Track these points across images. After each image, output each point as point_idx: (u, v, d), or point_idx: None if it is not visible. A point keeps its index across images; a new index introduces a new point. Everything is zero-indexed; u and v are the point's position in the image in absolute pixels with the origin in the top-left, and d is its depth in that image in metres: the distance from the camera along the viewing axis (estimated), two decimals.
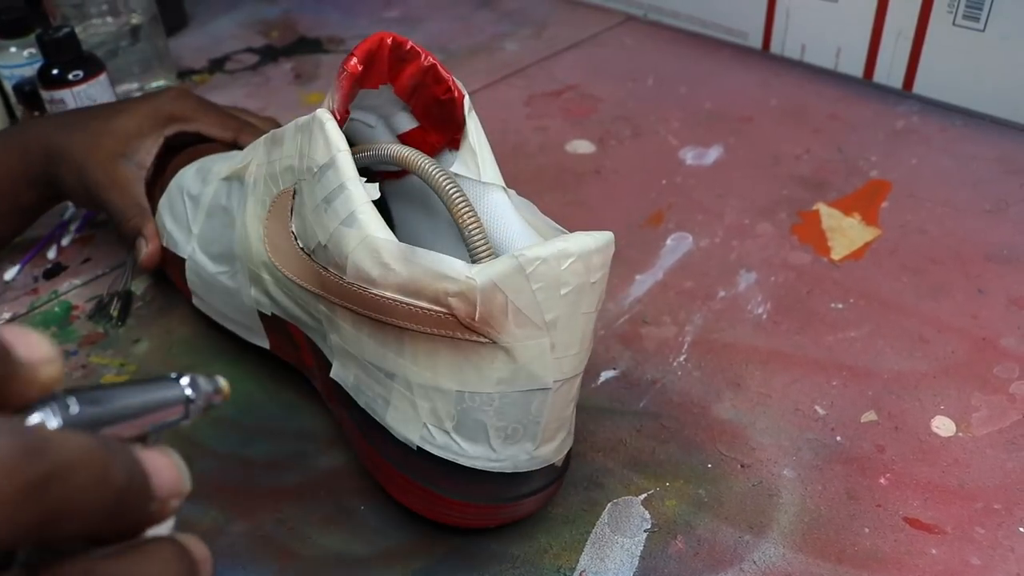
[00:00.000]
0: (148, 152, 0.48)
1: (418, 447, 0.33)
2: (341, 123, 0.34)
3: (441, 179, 0.33)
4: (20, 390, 0.19)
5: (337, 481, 0.39)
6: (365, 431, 0.35)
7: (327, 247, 0.33)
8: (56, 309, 0.50)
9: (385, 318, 0.31)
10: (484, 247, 0.32)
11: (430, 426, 0.32)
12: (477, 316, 0.29)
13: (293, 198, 0.35)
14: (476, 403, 0.31)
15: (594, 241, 0.30)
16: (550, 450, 0.33)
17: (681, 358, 0.45)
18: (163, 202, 0.47)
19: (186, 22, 0.85)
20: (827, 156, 0.60)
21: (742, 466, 0.39)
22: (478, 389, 0.31)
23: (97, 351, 0.47)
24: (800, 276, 0.50)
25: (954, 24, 0.61)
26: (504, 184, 0.35)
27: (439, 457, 0.32)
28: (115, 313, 0.49)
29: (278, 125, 0.53)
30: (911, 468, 0.39)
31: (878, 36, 0.66)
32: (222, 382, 0.23)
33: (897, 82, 0.66)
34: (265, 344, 0.42)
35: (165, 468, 0.20)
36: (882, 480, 0.38)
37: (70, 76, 0.58)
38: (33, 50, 0.62)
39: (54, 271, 0.53)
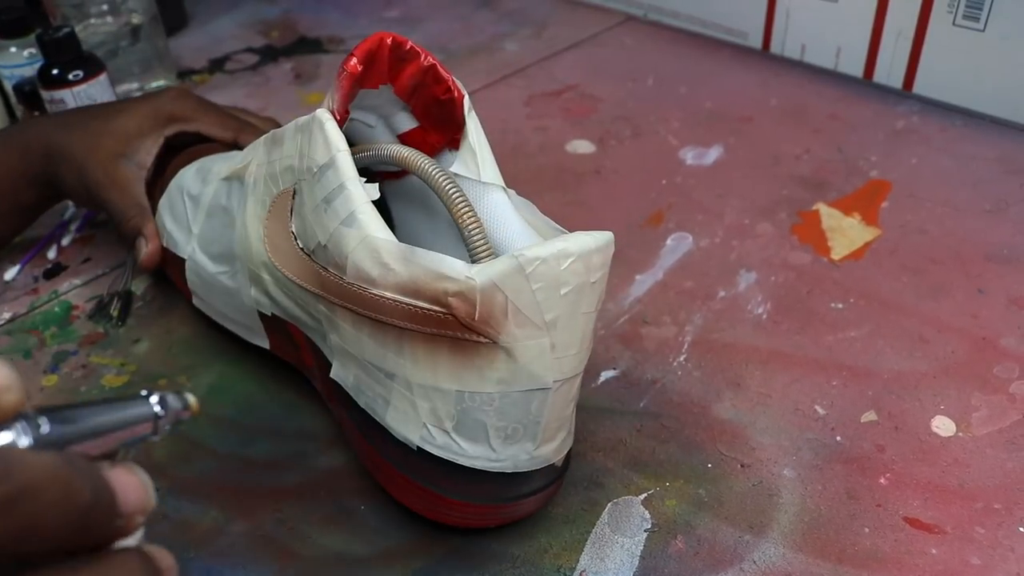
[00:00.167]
0: (148, 152, 0.48)
1: (418, 447, 0.33)
2: (341, 123, 0.34)
3: (441, 179, 0.33)
4: None
5: (337, 481, 0.39)
6: (365, 431, 0.35)
7: (327, 247, 0.33)
8: (56, 309, 0.50)
9: (385, 318, 0.31)
10: (484, 247, 0.32)
11: (430, 426, 0.32)
12: (477, 316, 0.29)
13: (293, 198, 0.35)
14: (476, 403, 0.31)
15: (594, 241, 0.30)
16: (550, 450, 0.33)
17: (681, 358, 0.45)
18: (163, 202, 0.47)
19: (186, 22, 0.85)
20: (827, 156, 0.60)
21: (742, 466, 0.39)
22: (478, 389, 0.31)
23: (97, 351, 0.47)
24: (800, 276, 0.50)
25: (954, 24, 0.61)
26: (504, 184, 0.35)
27: (439, 457, 0.32)
28: (115, 313, 0.49)
29: (278, 125, 0.53)
30: (911, 468, 0.39)
31: (878, 36, 0.66)
32: (191, 399, 0.23)
33: (897, 82, 0.66)
34: (265, 344, 0.42)
35: (131, 486, 0.21)
36: (882, 480, 0.38)
37: (70, 76, 0.58)
38: (33, 50, 0.62)
39: (54, 271, 0.53)
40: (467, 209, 0.32)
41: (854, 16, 0.66)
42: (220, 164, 0.44)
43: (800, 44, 0.71)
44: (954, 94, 0.64)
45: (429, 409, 0.32)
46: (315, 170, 0.33)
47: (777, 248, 0.52)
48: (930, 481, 0.38)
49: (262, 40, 0.81)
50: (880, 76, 0.67)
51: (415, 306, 0.30)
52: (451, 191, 0.32)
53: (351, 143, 0.34)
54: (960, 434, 0.40)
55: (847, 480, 0.38)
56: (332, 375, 0.36)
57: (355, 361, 0.34)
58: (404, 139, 0.39)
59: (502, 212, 0.34)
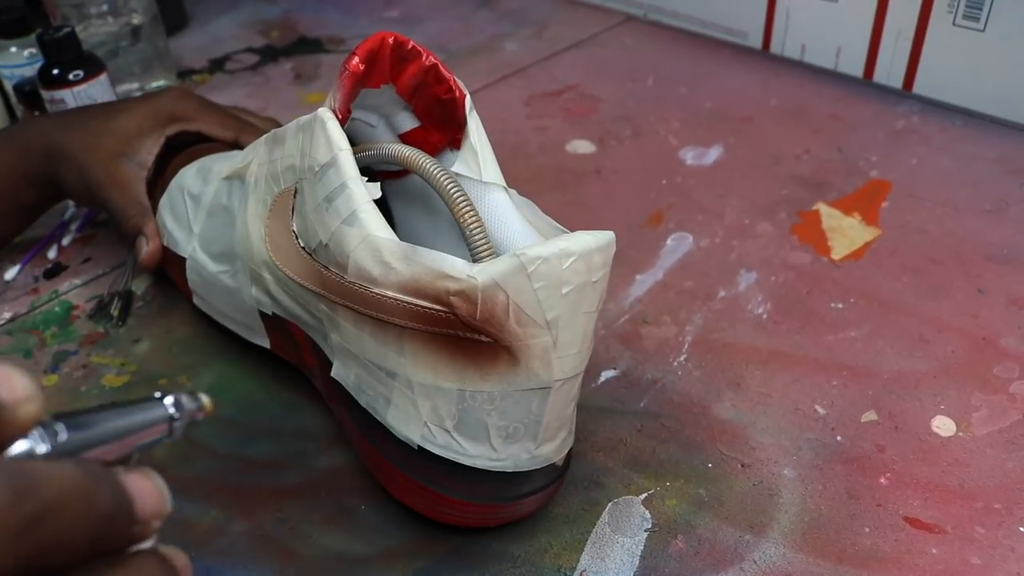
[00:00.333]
0: (149, 151, 0.48)
1: (419, 446, 0.33)
2: (343, 122, 0.34)
3: (442, 178, 0.33)
4: (2, 430, 0.19)
5: (338, 481, 0.39)
6: (366, 430, 0.35)
7: (328, 246, 0.33)
8: (56, 309, 0.50)
9: (386, 317, 0.31)
10: (485, 246, 0.32)
11: (431, 425, 0.32)
12: (479, 315, 0.29)
13: (294, 197, 0.35)
14: (477, 402, 0.31)
15: (595, 240, 0.30)
16: (551, 449, 0.33)
17: (681, 358, 0.45)
18: (164, 201, 0.47)
19: (186, 22, 0.85)
20: (827, 156, 0.60)
21: (742, 466, 0.39)
22: (479, 388, 0.31)
23: (98, 351, 0.47)
24: (800, 276, 0.50)
25: (954, 24, 0.61)
26: (505, 184, 0.35)
27: (440, 456, 0.32)
28: (116, 313, 0.49)
29: (278, 125, 0.53)
30: (911, 468, 0.39)
31: (878, 36, 0.66)
32: (205, 399, 0.23)
33: (897, 82, 0.66)
34: (266, 343, 0.42)
35: (148, 492, 0.21)
36: (882, 480, 0.38)
37: (70, 76, 0.58)
38: (33, 50, 0.62)
39: (55, 271, 0.53)
40: (469, 208, 0.32)
41: (854, 16, 0.66)
42: (221, 163, 0.44)
43: (800, 44, 0.71)
44: (954, 94, 0.64)
45: (430, 408, 0.32)
46: (317, 169, 0.33)
47: (777, 248, 0.52)
48: (930, 481, 0.38)
49: (262, 40, 0.81)
50: (880, 76, 0.67)
51: (417, 305, 0.30)
52: (453, 190, 0.32)
53: (352, 142, 0.34)
54: (960, 434, 0.40)
55: (847, 480, 0.38)
56: (333, 374, 0.36)
57: (356, 360, 0.34)
58: (405, 139, 0.39)
59: (503, 212, 0.34)
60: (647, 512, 0.37)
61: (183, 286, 0.46)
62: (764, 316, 0.47)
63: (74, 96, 0.58)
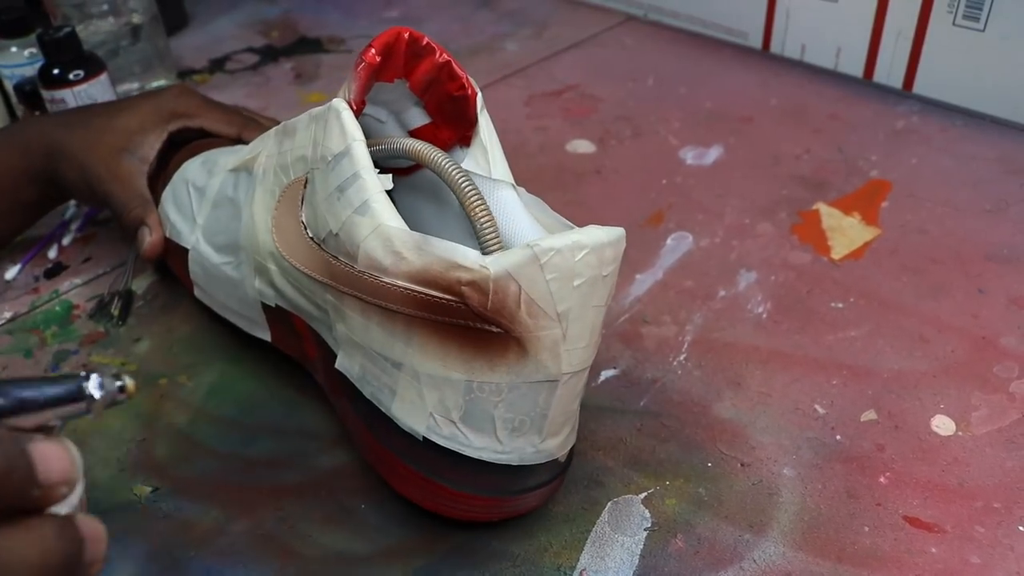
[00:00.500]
0: (151, 147, 0.48)
1: (424, 437, 0.33)
2: (357, 114, 0.34)
3: (454, 172, 0.33)
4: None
5: (338, 480, 0.39)
6: (369, 422, 0.35)
7: (339, 235, 0.33)
8: (57, 308, 0.50)
9: (395, 307, 0.31)
10: (495, 240, 0.32)
11: (436, 416, 0.32)
12: (490, 305, 0.29)
13: (304, 187, 0.35)
14: (484, 393, 0.31)
15: (607, 235, 0.30)
16: (555, 444, 0.33)
17: (681, 357, 0.45)
18: (167, 194, 0.47)
19: (186, 22, 0.85)
20: (827, 156, 0.60)
21: (742, 465, 0.39)
22: (487, 379, 0.31)
23: (98, 350, 0.47)
24: (800, 276, 0.50)
25: (954, 24, 0.61)
26: (514, 182, 0.35)
27: (445, 448, 0.32)
28: (116, 312, 0.49)
29: None
30: (911, 467, 0.39)
31: (878, 36, 0.66)
32: (128, 382, 0.24)
33: (897, 82, 0.66)
34: (267, 336, 0.42)
35: (54, 458, 0.22)
36: (882, 479, 0.38)
37: (71, 76, 0.58)
38: (34, 50, 0.62)
39: (55, 270, 0.53)
40: (479, 202, 0.32)
41: (854, 16, 0.66)
42: (227, 156, 0.44)
43: (800, 44, 0.71)
44: (954, 94, 0.64)
45: (437, 399, 0.32)
46: (329, 159, 0.33)
47: (777, 248, 0.52)
48: (930, 480, 0.38)
49: (262, 40, 0.81)
50: (880, 76, 0.67)
51: (427, 295, 0.30)
52: (464, 184, 0.33)
53: None
54: (960, 433, 0.40)
55: (847, 479, 0.38)
56: (337, 365, 0.36)
57: (362, 351, 0.34)
58: (415, 135, 0.39)
59: (512, 208, 0.35)
60: (647, 511, 0.37)
61: (184, 278, 0.46)
62: (764, 316, 0.47)
63: (74, 96, 0.58)
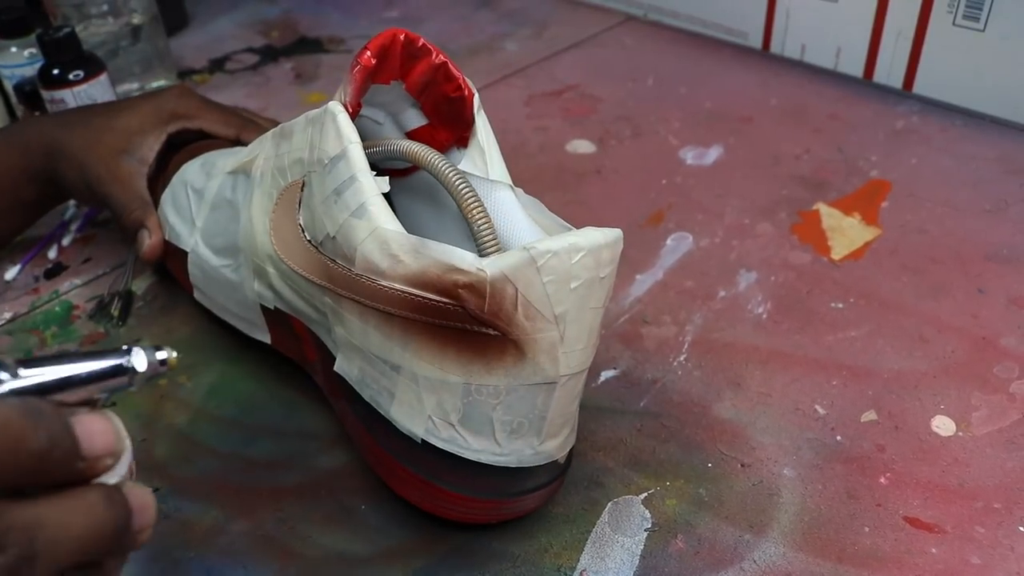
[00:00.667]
0: (151, 148, 0.48)
1: (422, 440, 0.33)
2: (353, 116, 0.34)
3: (450, 174, 0.33)
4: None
5: (338, 480, 0.39)
6: (368, 425, 0.35)
7: (336, 239, 0.33)
8: (57, 309, 0.50)
9: (393, 310, 0.31)
10: (492, 242, 0.32)
11: (435, 419, 0.32)
12: (487, 308, 0.29)
13: (302, 190, 0.35)
14: (483, 396, 0.31)
15: (604, 236, 0.30)
16: (554, 446, 0.33)
17: (681, 358, 0.45)
18: (166, 196, 0.47)
19: (186, 22, 0.85)
20: (827, 156, 0.60)
21: (742, 465, 0.39)
22: (485, 382, 0.31)
23: None
24: (800, 276, 0.50)
25: (954, 24, 0.61)
26: (511, 183, 0.35)
27: (443, 450, 0.32)
28: (116, 313, 0.49)
29: None
30: (911, 467, 0.39)
31: (878, 36, 0.66)
32: (171, 354, 0.25)
33: (897, 82, 0.66)
34: (266, 338, 0.42)
35: (98, 431, 0.23)
36: (882, 479, 0.38)
37: (71, 76, 0.58)
38: (34, 50, 0.62)
39: (55, 271, 0.53)
40: (476, 204, 0.32)
41: (854, 16, 0.66)
42: (225, 158, 0.44)
43: (800, 44, 0.71)
44: (954, 94, 0.64)
45: (435, 402, 0.32)
46: (326, 162, 0.33)
47: (777, 248, 0.52)
48: (930, 480, 0.38)
49: (262, 40, 0.81)
50: (880, 76, 0.67)
51: (424, 298, 0.30)
52: (461, 186, 0.33)
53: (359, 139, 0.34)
54: (960, 434, 0.40)
55: (847, 480, 0.38)
56: (336, 368, 0.36)
57: (360, 354, 0.34)
58: (412, 136, 0.39)
59: (509, 210, 0.35)
60: (647, 512, 0.37)
61: (184, 280, 0.46)
62: (764, 316, 0.47)
63: (74, 96, 0.58)
